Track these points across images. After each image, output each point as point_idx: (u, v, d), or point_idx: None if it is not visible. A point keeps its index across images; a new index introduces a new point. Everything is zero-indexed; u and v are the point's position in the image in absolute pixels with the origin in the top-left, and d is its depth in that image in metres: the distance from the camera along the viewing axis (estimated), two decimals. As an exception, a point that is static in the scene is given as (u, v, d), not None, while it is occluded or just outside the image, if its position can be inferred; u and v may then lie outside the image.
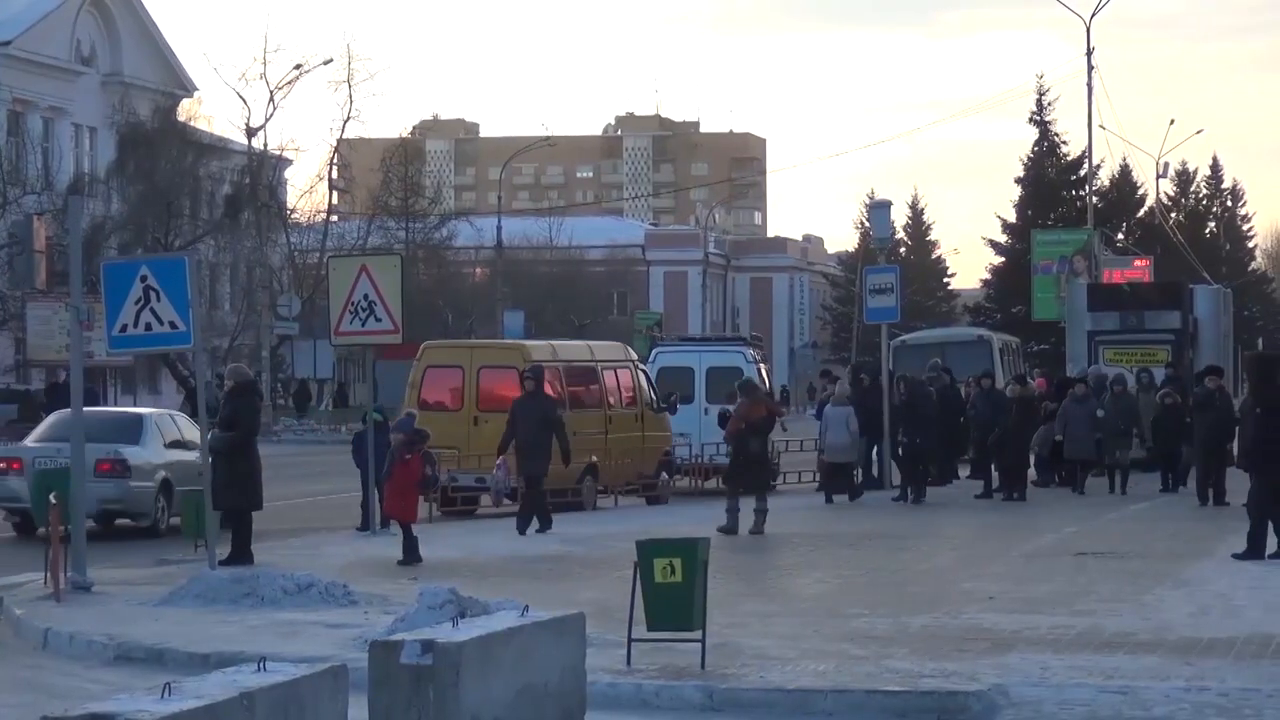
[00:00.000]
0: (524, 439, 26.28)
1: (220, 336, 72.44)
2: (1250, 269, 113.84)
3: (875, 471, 34.74)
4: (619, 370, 33.62)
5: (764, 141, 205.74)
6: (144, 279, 20.27)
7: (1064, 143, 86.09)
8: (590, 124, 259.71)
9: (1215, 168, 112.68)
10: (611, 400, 32.86)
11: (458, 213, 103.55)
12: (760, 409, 26.91)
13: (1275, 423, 21.31)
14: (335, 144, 79.87)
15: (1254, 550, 21.58)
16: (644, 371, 35.04)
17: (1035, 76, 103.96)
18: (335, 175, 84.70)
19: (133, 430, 27.94)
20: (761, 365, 39.34)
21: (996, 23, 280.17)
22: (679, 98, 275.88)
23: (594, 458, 31.21)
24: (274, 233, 76.50)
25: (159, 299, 20.16)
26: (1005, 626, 16.52)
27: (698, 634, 14.36)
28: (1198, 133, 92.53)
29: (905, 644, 15.57)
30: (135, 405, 74.63)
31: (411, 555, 22.48)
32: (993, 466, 33.66)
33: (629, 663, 14.39)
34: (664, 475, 34.04)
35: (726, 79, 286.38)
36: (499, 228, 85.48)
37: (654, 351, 41.38)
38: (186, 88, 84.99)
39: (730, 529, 25.65)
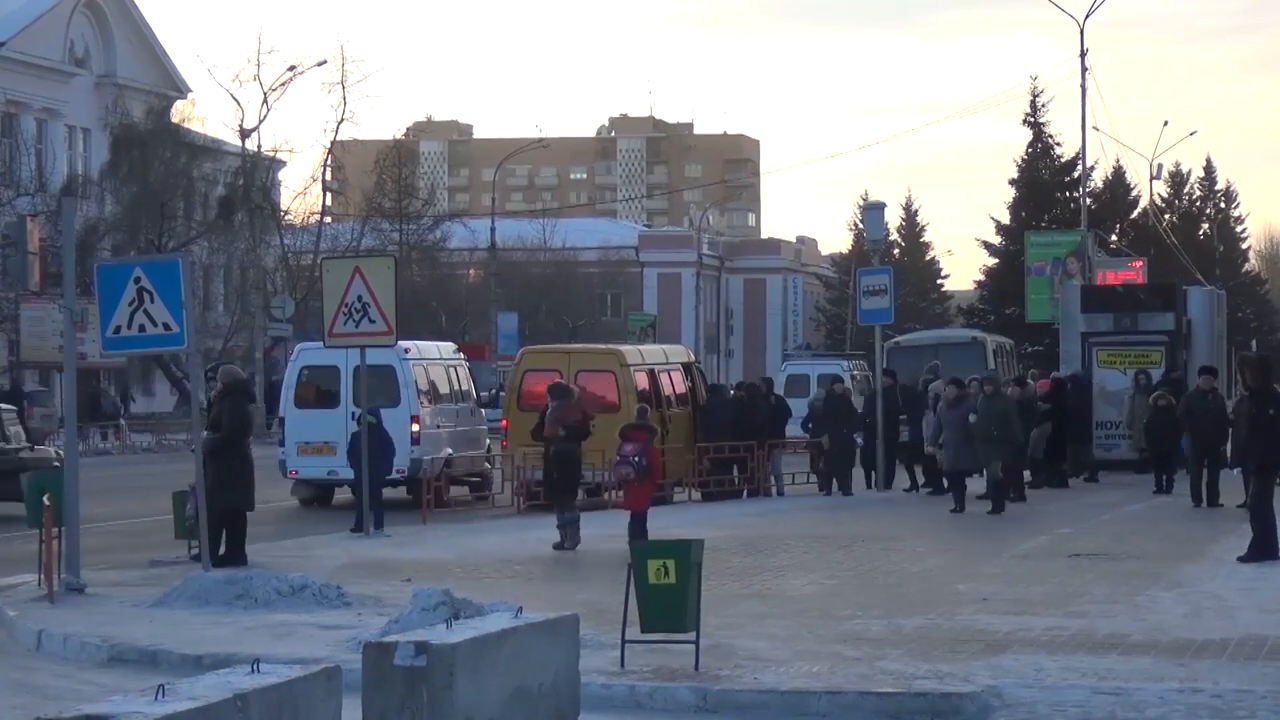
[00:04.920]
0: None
1: (214, 338, 72.44)
2: (1244, 271, 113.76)
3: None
4: (687, 371, 36.19)
5: (758, 143, 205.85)
6: (138, 280, 20.26)
7: (1058, 144, 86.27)
8: (584, 125, 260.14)
9: (1209, 169, 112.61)
10: (681, 399, 35.05)
11: (451, 214, 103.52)
12: (575, 412, 25.43)
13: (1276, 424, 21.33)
14: (329, 145, 79.78)
15: (1266, 552, 21.52)
16: (700, 371, 38.04)
17: (1029, 78, 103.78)
18: (329, 177, 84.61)
19: None
20: (857, 373, 52.33)
21: (989, 24, 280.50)
22: (673, 99, 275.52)
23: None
24: (268, 234, 76.42)
25: (153, 300, 20.16)
26: (999, 628, 16.52)
27: (691, 635, 14.37)
28: (1191, 134, 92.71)
29: (899, 645, 15.58)
30: (129, 406, 74.63)
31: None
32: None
33: (623, 664, 14.39)
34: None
35: (720, 81, 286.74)
36: (493, 229, 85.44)
37: (785, 363, 59.96)
38: (180, 89, 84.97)
39: (564, 544, 24.47)
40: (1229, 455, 26.48)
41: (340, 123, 77.80)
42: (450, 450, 34.06)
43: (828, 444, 34.86)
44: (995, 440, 29.66)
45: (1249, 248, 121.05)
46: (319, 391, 33.33)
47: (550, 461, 25.31)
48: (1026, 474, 34.51)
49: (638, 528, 23.61)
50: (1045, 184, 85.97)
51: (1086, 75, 62.09)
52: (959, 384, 30.99)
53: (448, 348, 37.59)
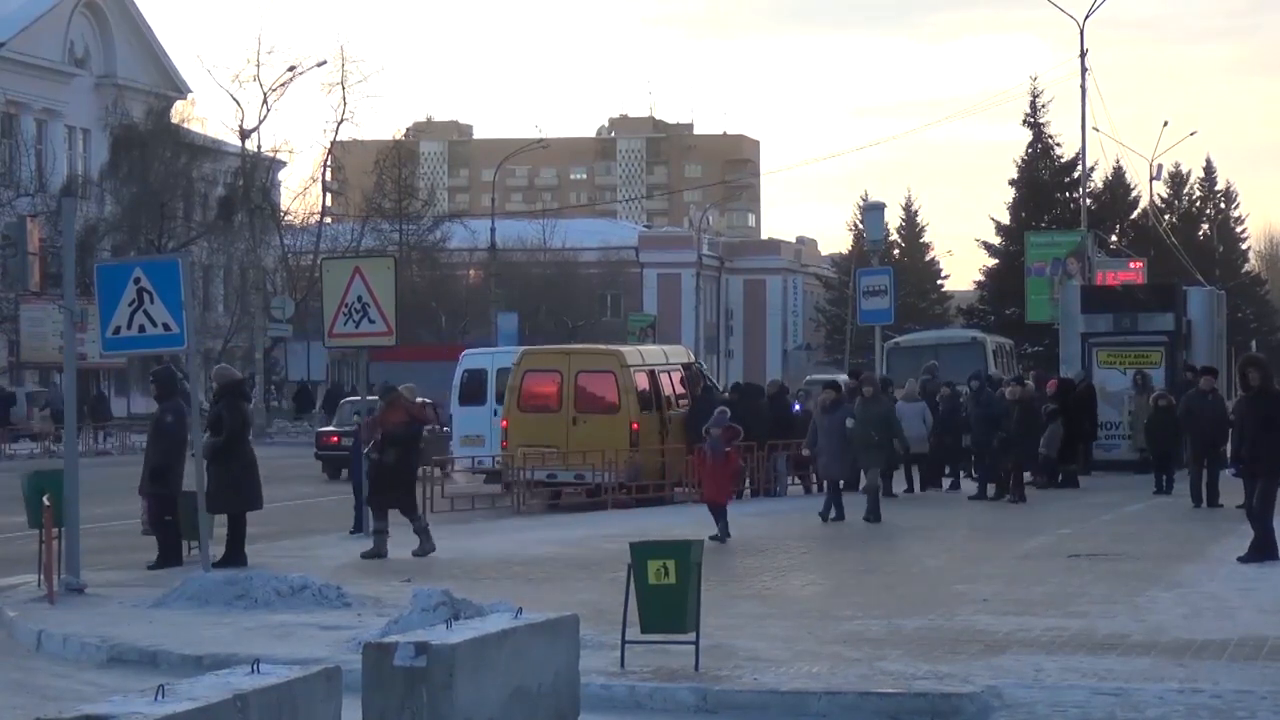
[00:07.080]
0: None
1: (214, 339, 72.49)
2: (1244, 271, 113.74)
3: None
4: (685, 371, 36.10)
5: (758, 143, 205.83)
6: (137, 281, 20.26)
7: (1058, 145, 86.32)
8: (584, 126, 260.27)
9: (1209, 169, 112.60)
10: (681, 399, 34.85)
11: (451, 215, 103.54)
12: (399, 414, 23.82)
13: None
14: (329, 146, 79.89)
15: (1266, 552, 21.47)
16: (702, 372, 38.14)
17: (1029, 79, 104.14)
18: (329, 177, 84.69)
19: None
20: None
21: (989, 25, 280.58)
22: (673, 100, 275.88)
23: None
24: (267, 235, 76.51)
25: (152, 301, 20.16)
26: (999, 628, 16.52)
27: (691, 636, 14.36)
28: (1191, 134, 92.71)
29: (899, 646, 15.57)
30: (129, 406, 74.73)
31: (725, 532, 24.77)
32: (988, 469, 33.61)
33: (623, 665, 14.39)
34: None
35: (720, 81, 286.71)
36: (492, 229, 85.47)
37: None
38: (180, 89, 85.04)
39: (376, 553, 23.20)
40: (1228, 456, 26.35)
41: (340, 123, 77.95)
42: None
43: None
44: (875, 446, 28.36)
45: (1249, 248, 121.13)
46: (474, 391, 37.65)
47: (378, 469, 23.70)
48: (1027, 474, 34.53)
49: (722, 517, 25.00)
50: (1045, 184, 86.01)
51: (1086, 76, 62.14)
52: (835, 387, 29.95)
53: None
